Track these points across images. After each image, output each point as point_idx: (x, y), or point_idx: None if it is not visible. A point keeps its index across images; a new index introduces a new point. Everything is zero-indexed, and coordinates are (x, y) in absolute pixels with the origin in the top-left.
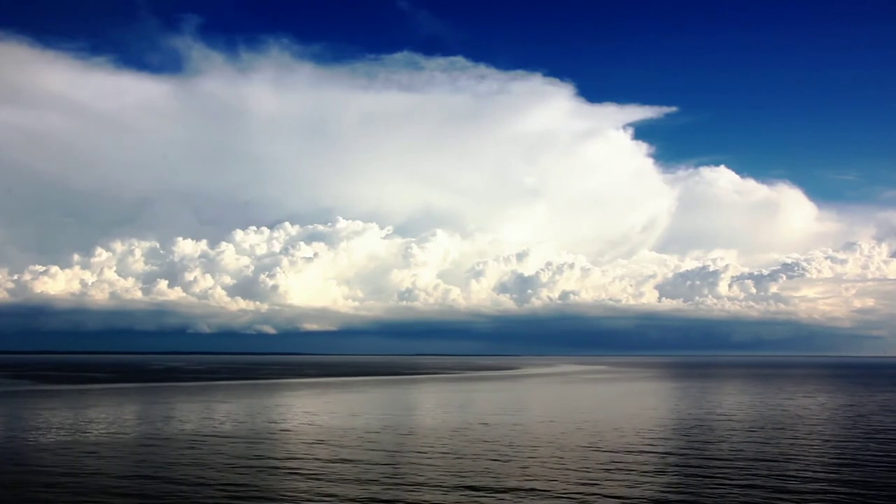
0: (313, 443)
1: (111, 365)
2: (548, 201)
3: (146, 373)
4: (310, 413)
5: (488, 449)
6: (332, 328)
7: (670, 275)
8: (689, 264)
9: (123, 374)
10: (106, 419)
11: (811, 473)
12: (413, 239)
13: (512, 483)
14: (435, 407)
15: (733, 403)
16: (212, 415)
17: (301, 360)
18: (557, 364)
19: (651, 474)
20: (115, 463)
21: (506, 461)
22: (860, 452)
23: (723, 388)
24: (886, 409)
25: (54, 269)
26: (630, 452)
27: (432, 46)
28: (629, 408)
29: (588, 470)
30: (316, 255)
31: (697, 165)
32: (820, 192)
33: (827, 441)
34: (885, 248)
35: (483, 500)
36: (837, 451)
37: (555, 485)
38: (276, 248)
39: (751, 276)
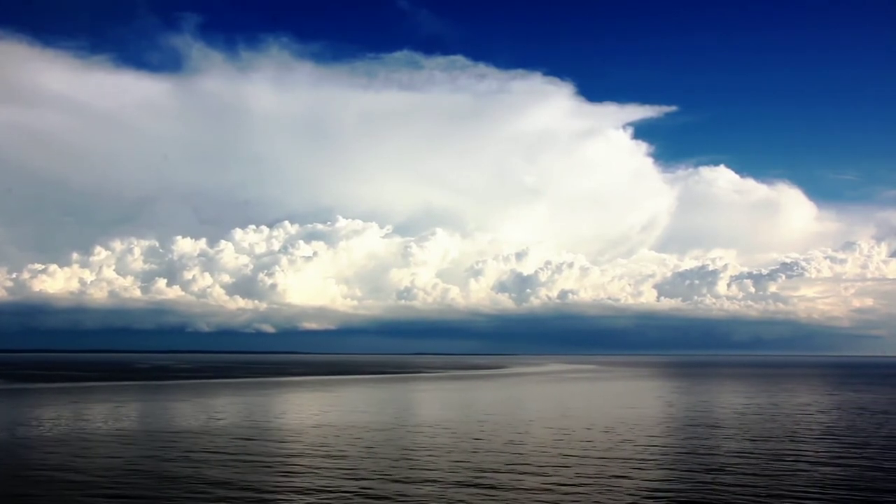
0: (236, 438)
1: (97, 363)
2: (547, 201)
3: (129, 372)
4: (254, 412)
5: (402, 448)
6: (331, 327)
7: (669, 274)
8: (689, 264)
9: (105, 372)
10: (45, 417)
11: (707, 467)
12: (412, 238)
13: (394, 481)
14: (386, 406)
15: (687, 403)
16: (157, 413)
17: (295, 359)
18: (548, 363)
19: (552, 467)
20: (20, 458)
21: (403, 460)
22: (776, 448)
23: (692, 388)
24: (838, 408)
25: (53, 267)
26: (544, 447)
27: (432, 45)
28: (583, 407)
29: (486, 464)
30: (315, 254)
31: (697, 165)
32: (819, 192)
33: (753, 440)
34: (884, 248)
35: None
36: (752, 447)
37: (448, 475)
38: (276, 246)
39: (750, 275)
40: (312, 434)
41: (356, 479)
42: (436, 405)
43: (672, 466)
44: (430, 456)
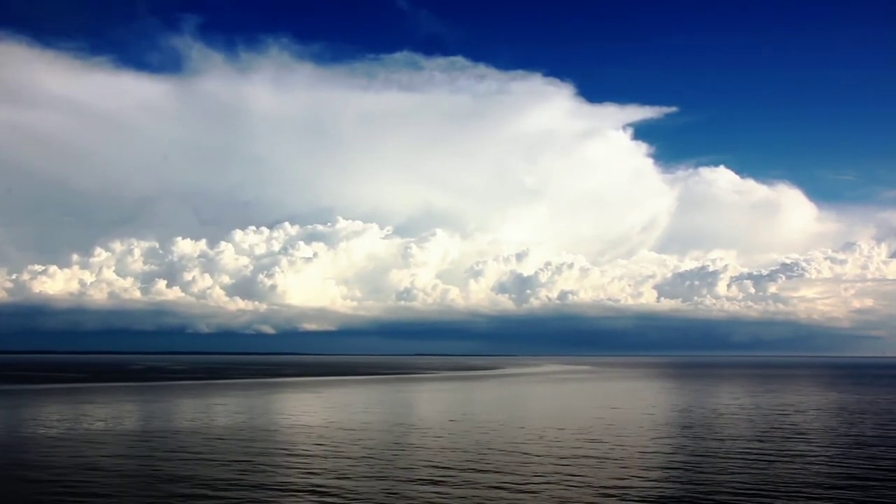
0: (207, 438)
1: (92, 364)
2: (548, 201)
3: (123, 373)
4: (235, 412)
5: (367, 447)
6: (331, 328)
7: (669, 275)
8: (689, 264)
9: (99, 373)
10: (23, 418)
11: (665, 467)
12: (412, 239)
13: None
14: (368, 407)
15: (671, 404)
16: (138, 414)
17: (293, 360)
18: (544, 364)
19: (511, 466)
20: None
21: (364, 458)
22: (741, 447)
23: (682, 389)
24: (819, 408)
25: (53, 268)
26: (510, 446)
27: (432, 46)
28: (565, 407)
29: (446, 462)
30: (315, 255)
31: (697, 165)
32: (820, 193)
33: (721, 440)
34: (884, 249)
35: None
36: (717, 446)
37: (404, 473)
38: (276, 247)
39: (750, 276)
40: (284, 434)
41: (311, 477)
42: (418, 406)
43: (631, 466)
44: (393, 455)
